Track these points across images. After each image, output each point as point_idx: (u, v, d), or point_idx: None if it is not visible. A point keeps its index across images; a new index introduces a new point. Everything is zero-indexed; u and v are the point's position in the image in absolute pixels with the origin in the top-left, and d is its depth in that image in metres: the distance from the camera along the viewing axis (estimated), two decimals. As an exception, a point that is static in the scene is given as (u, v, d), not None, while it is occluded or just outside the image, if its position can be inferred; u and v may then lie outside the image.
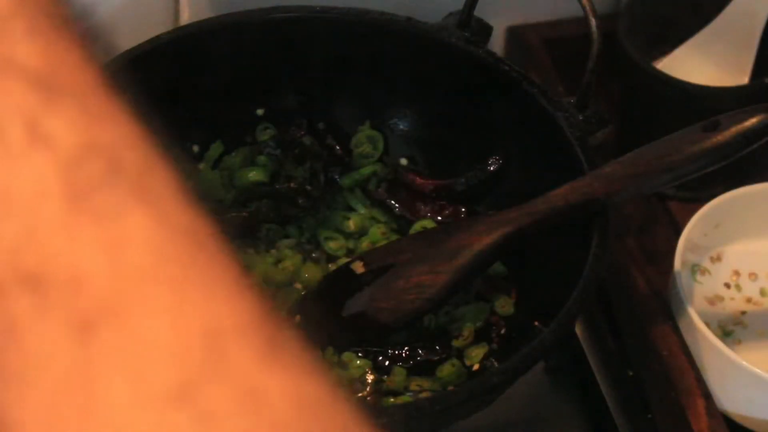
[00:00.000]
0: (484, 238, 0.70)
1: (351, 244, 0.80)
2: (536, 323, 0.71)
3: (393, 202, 0.81)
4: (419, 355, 0.73)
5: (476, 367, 0.72)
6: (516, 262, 0.76)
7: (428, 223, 0.79)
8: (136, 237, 0.28)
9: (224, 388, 0.27)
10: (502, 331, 0.74)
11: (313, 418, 0.28)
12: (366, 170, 0.82)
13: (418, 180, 0.81)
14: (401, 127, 0.84)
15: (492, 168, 0.79)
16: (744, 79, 0.89)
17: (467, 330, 0.74)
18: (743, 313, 0.83)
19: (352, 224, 0.80)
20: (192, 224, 0.29)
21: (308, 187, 0.79)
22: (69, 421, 0.27)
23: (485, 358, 0.73)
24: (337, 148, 0.82)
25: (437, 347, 0.73)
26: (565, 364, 0.80)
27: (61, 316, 0.27)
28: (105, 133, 0.29)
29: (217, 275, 0.29)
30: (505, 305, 0.75)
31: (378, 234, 0.79)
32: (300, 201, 0.79)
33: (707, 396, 0.75)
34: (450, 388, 0.71)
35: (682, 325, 0.78)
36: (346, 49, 0.81)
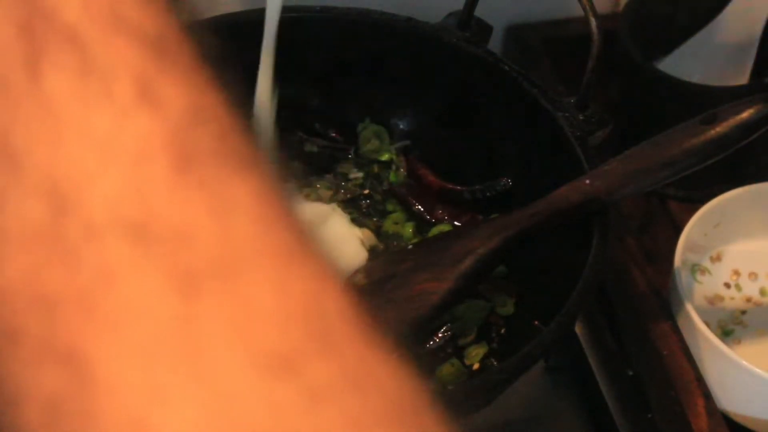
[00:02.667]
0: (486, 242, 0.70)
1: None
2: (536, 323, 0.71)
3: (411, 198, 0.81)
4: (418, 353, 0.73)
5: (476, 366, 0.72)
6: (516, 262, 0.76)
7: (446, 228, 0.79)
8: (244, 205, 0.27)
9: (331, 365, 0.27)
10: (502, 331, 0.74)
11: (413, 414, 0.28)
12: (381, 160, 0.82)
13: (429, 177, 0.81)
14: (401, 127, 0.84)
15: (500, 188, 0.79)
16: (744, 79, 0.89)
17: (467, 329, 0.74)
18: (743, 312, 0.83)
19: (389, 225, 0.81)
20: (290, 201, 0.29)
21: (367, 191, 0.81)
22: (166, 377, 0.26)
23: (485, 357, 0.73)
24: (344, 148, 0.83)
25: (437, 345, 0.73)
26: (565, 364, 0.80)
27: (165, 270, 0.26)
28: (211, 103, 0.28)
29: (317, 257, 0.28)
30: (505, 305, 0.75)
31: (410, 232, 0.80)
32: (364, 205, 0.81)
33: (707, 396, 0.75)
34: (449, 387, 0.71)
35: (682, 325, 0.78)
36: (346, 50, 0.81)
